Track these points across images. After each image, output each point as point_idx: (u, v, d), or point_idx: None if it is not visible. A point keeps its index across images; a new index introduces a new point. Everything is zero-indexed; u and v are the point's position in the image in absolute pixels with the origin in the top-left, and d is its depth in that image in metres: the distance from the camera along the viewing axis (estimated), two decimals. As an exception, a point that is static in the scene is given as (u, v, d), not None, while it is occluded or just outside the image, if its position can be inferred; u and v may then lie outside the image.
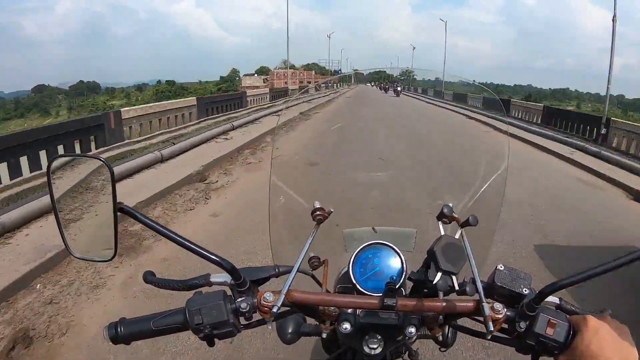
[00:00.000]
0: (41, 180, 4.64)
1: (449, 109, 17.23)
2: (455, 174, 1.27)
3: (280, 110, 13.97)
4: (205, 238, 3.35)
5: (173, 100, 11.16)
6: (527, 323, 0.56)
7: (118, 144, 7.11)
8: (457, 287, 0.59)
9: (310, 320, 0.75)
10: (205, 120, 11.01)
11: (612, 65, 9.86)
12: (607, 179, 6.19)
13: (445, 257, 0.60)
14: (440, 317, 0.61)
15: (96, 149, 6.68)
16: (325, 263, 0.75)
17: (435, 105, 19.31)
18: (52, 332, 2.21)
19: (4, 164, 4.57)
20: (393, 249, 0.69)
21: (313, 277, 0.76)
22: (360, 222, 0.80)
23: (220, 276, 0.62)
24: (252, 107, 15.35)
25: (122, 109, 7.98)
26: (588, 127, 10.12)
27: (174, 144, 7.05)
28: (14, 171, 4.73)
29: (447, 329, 0.72)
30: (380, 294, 0.58)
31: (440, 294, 0.60)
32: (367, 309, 0.60)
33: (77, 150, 5.99)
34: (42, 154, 5.10)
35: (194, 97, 11.56)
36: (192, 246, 0.58)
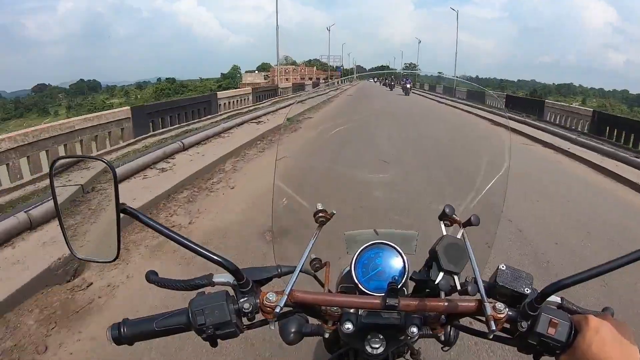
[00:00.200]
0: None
1: (471, 112, 13.99)
2: (458, 175, 1.27)
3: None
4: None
5: (89, 115, 6.90)
6: (529, 323, 0.57)
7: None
8: (459, 287, 0.60)
9: (313, 321, 0.75)
10: (145, 138, 7.64)
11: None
12: None
13: (447, 257, 0.60)
14: (442, 316, 0.62)
15: None
16: (327, 265, 0.76)
17: (457, 108, 15.87)
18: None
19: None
20: (395, 249, 0.69)
21: (315, 277, 0.76)
22: (362, 225, 0.81)
23: (223, 276, 0.62)
24: (227, 112, 12.26)
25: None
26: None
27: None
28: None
29: (449, 328, 0.72)
30: (383, 294, 0.59)
31: (442, 294, 0.60)
32: (370, 309, 0.60)
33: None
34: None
35: (127, 108, 8.05)
36: (195, 247, 0.58)
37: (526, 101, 17.70)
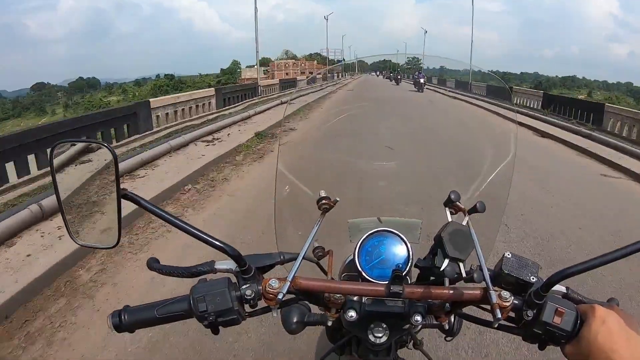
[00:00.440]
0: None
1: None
2: (463, 163, 1.27)
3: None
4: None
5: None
6: (535, 311, 0.57)
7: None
8: (464, 274, 0.60)
9: (315, 310, 0.76)
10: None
11: None
12: None
13: (453, 243, 0.60)
14: (447, 305, 0.62)
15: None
16: (329, 253, 0.76)
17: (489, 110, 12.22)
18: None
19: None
20: (399, 236, 0.69)
21: (318, 264, 0.76)
22: (365, 212, 0.81)
23: (225, 263, 0.62)
24: (170, 126, 8.93)
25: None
26: None
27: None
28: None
29: (453, 317, 0.73)
30: (386, 282, 0.58)
31: (447, 282, 0.60)
32: (374, 297, 0.60)
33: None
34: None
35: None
36: (197, 232, 0.59)
37: (571, 102, 12.73)
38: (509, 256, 0.60)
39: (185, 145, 6.75)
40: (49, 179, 5.41)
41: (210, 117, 10.53)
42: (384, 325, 0.64)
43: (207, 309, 0.57)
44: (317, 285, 0.59)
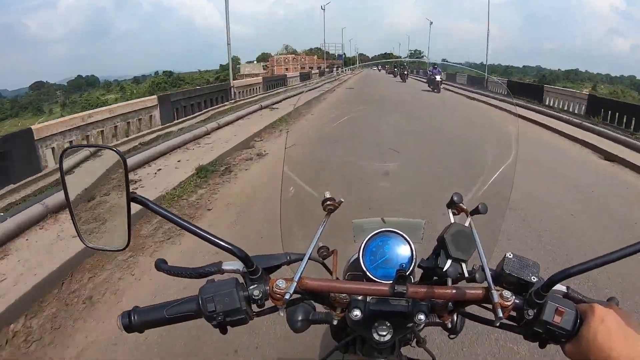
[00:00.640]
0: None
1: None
2: (465, 164, 1.28)
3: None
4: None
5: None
6: (535, 311, 0.58)
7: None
8: (466, 275, 0.61)
9: (319, 309, 0.77)
10: None
11: None
12: None
13: (455, 244, 0.61)
14: (450, 304, 0.63)
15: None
16: (334, 253, 0.78)
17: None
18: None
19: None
20: (403, 237, 0.70)
21: (324, 264, 0.78)
22: (369, 213, 0.82)
23: (233, 264, 0.64)
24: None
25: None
26: None
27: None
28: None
29: (455, 316, 0.74)
30: (391, 282, 0.60)
31: (449, 282, 0.62)
32: (378, 296, 0.62)
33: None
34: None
35: None
36: (205, 234, 0.60)
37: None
38: (510, 256, 0.62)
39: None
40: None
41: (153, 135, 7.55)
42: (388, 324, 0.65)
43: (216, 309, 0.59)
44: (323, 285, 0.61)
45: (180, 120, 9.51)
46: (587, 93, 12.68)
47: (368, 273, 0.67)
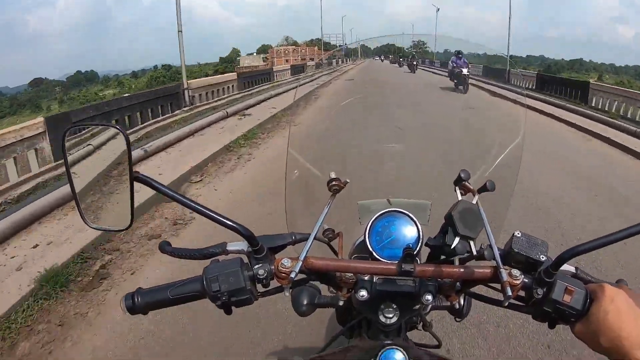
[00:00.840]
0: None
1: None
2: (472, 143, 1.27)
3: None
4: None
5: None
6: (544, 290, 0.58)
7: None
8: (475, 252, 0.61)
9: (325, 293, 0.77)
10: None
11: None
12: None
13: (463, 221, 0.61)
14: (457, 284, 0.63)
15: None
16: (340, 235, 0.78)
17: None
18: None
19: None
20: (409, 217, 0.70)
21: (330, 246, 0.78)
22: (375, 194, 0.82)
23: (237, 244, 0.64)
24: None
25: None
26: None
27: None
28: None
29: (463, 297, 0.74)
30: (397, 262, 0.60)
31: (457, 261, 0.62)
32: (385, 275, 0.62)
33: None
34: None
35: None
36: (210, 213, 0.60)
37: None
38: (518, 235, 0.61)
39: None
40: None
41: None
42: (395, 306, 0.66)
43: (220, 289, 0.59)
44: (328, 264, 0.61)
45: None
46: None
47: (374, 253, 0.67)
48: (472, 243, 0.61)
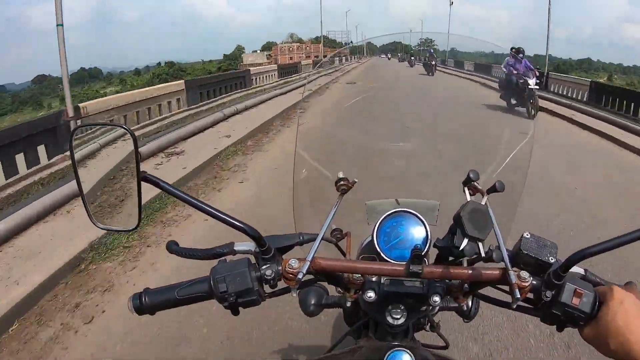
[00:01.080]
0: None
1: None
2: (481, 143, 1.27)
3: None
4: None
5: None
6: (553, 292, 0.58)
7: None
8: (483, 254, 0.61)
9: (332, 294, 0.78)
10: None
11: None
12: None
13: (472, 223, 0.60)
14: (465, 285, 0.63)
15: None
16: (347, 235, 0.78)
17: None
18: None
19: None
20: (417, 217, 0.70)
21: (337, 245, 0.78)
22: (383, 194, 0.82)
23: (245, 244, 0.64)
24: None
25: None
26: None
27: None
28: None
29: (471, 298, 0.74)
30: (405, 262, 0.60)
31: (465, 262, 0.62)
32: (393, 276, 0.62)
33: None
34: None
35: None
36: (217, 213, 0.60)
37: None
38: (527, 236, 0.61)
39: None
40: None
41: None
42: (402, 307, 0.66)
43: (228, 290, 0.59)
44: (336, 265, 0.61)
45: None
46: None
47: (382, 254, 0.67)
48: (480, 244, 0.61)
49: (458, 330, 2.09)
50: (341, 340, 0.86)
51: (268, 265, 0.61)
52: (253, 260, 0.63)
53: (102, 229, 0.63)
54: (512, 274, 0.56)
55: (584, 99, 10.23)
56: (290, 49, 69.64)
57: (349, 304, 0.70)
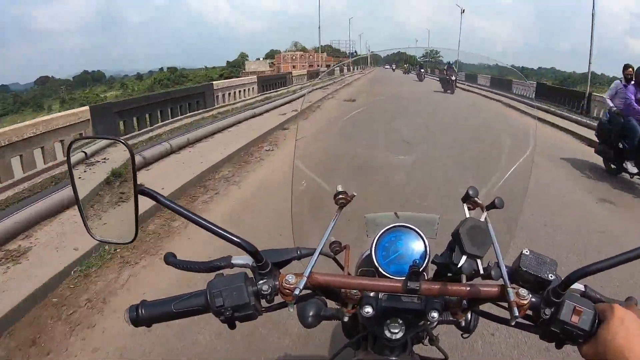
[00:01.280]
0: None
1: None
2: (481, 158, 1.27)
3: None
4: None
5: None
6: (552, 310, 0.58)
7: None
8: (481, 271, 0.61)
9: (331, 305, 0.77)
10: None
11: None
12: None
13: (471, 240, 0.61)
14: (464, 302, 0.63)
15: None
16: (346, 248, 0.78)
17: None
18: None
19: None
20: (416, 232, 0.71)
21: (335, 260, 0.78)
22: (382, 207, 0.83)
23: (242, 258, 0.64)
24: None
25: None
26: None
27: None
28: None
29: (470, 314, 0.74)
30: (404, 277, 0.60)
31: (464, 278, 0.61)
32: (390, 292, 0.62)
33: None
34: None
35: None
36: (214, 228, 0.61)
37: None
38: (527, 253, 0.61)
39: None
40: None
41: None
42: (400, 321, 0.66)
43: (224, 304, 0.59)
44: (334, 281, 0.61)
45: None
46: None
47: (380, 269, 0.67)
48: (479, 261, 0.61)
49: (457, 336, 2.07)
50: (340, 352, 0.85)
51: (265, 280, 0.61)
52: (250, 274, 0.63)
53: (98, 240, 0.63)
54: (511, 291, 0.56)
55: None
56: (294, 57, 70.17)
57: (346, 319, 0.70)
